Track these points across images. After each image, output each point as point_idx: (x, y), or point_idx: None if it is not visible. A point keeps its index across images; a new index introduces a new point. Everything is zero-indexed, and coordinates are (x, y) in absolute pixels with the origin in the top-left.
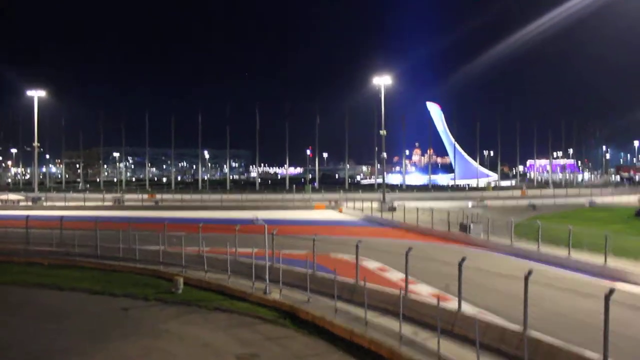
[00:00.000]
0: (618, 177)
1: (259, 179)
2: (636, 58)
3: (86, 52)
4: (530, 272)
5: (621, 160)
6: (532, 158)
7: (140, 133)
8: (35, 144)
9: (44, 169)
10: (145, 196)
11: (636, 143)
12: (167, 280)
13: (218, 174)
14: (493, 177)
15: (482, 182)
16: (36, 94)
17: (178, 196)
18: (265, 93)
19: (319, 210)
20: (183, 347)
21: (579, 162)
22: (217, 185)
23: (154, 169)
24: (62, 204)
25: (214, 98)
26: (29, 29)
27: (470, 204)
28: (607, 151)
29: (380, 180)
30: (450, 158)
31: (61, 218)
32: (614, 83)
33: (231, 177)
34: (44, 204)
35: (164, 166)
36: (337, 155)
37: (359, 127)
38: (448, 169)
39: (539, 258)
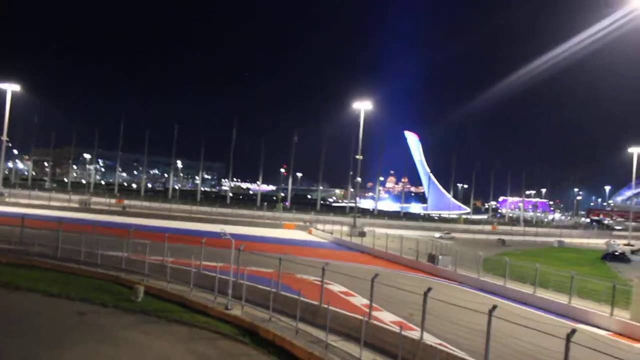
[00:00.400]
0: (589, 220)
1: (231, 193)
2: (614, 106)
3: (69, 50)
4: (494, 307)
5: (592, 203)
6: (505, 195)
7: (114, 137)
8: (4, 137)
9: (10, 165)
10: (113, 201)
11: (607, 188)
12: (127, 288)
13: (189, 184)
14: (465, 210)
15: (454, 214)
16: (9, 87)
17: (147, 203)
18: (244, 108)
19: (289, 230)
20: (142, 358)
21: (551, 202)
22: (188, 196)
23: (125, 174)
24: (26, 201)
25: (192, 108)
26: (7, 21)
27: (437, 234)
28: (579, 194)
29: (352, 204)
30: (424, 188)
31: (23, 216)
32: (594, 128)
33: (202, 189)
34: (7, 199)
35: (135, 172)
36: (311, 176)
37: (336, 150)
38: (421, 198)
39: (505, 294)
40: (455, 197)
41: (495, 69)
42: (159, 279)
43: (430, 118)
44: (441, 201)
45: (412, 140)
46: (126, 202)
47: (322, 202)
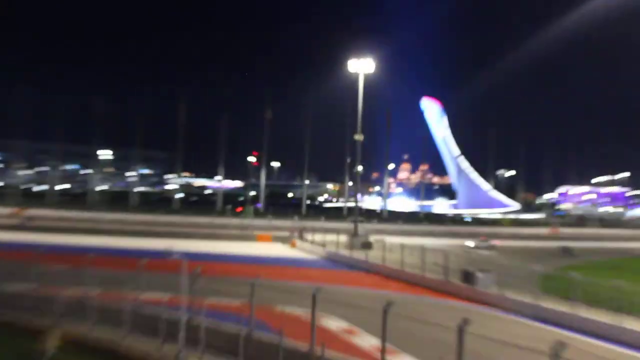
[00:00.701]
0: None
1: (180, 194)
2: None
3: None
4: (561, 346)
5: None
6: (568, 183)
7: (15, 119)
8: None
9: None
10: (11, 210)
11: None
12: (32, 337)
13: (121, 183)
14: (512, 207)
15: (496, 214)
16: None
17: (61, 212)
18: (195, 75)
19: (264, 244)
20: None
21: (633, 191)
22: (119, 200)
23: (29, 171)
24: None
25: (123, 77)
26: None
27: (469, 243)
28: None
29: (351, 204)
30: (452, 178)
31: None
32: None
33: (140, 188)
34: None
35: (44, 168)
36: (293, 166)
37: (326, 130)
38: (448, 192)
39: (575, 325)
40: (496, 189)
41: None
42: (79, 322)
43: (457, 79)
44: (477, 196)
45: (433, 111)
46: (31, 211)
47: (309, 202)
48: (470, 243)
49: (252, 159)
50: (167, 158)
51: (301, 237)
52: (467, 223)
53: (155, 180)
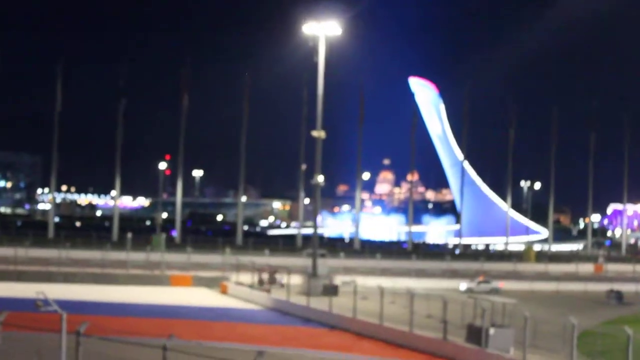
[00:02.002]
0: None
1: (57, 218)
2: None
3: None
4: None
5: None
6: (618, 201)
7: None
8: None
9: None
10: None
11: None
12: None
13: None
14: (540, 234)
15: (517, 243)
16: None
17: None
18: (76, 40)
19: (181, 288)
20: None
21: None
22: None
23: None
24: None
25: None
26: None
27: (462, 285)
28: None
29: (309, 231)
30: (453, 192)
31: None
32: None
33: None
34: None
35: None
36: (222, 176)
37: (272, 125)
38: (448, 213)
39: None
40: (517, 208)
41: None
42: None
43: (458, 55)
44: (490, 218)
45: (425, 97)
46: None
47: (247, 227)
48: (463, 285)
49: (162, 165)
50: (38, 164)
51: (271, 281)
52: (475, 257)
53: (19, 197)
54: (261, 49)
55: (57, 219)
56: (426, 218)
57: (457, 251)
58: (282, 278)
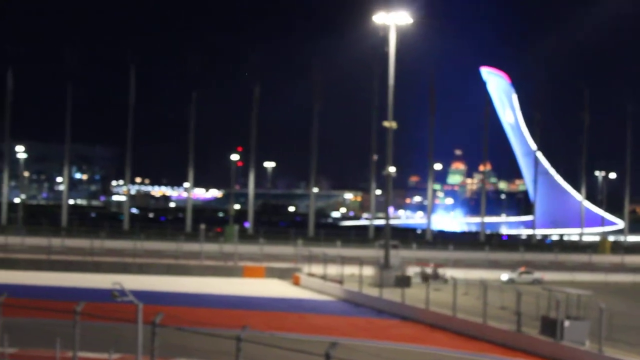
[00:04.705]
0: None
1: (132, 209)
2: None
3: None
4: None
5: None
6: None
7: None
8: None
9: None
10: None
11: None
12: None
13: (45, 194)
14: (616, 225)
15: (592, 234)
16: None
17: None
18: (158, 42)
19: (254, 280)
20: None
21: None
22: (42, 218)
23: None
24: None
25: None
26: None
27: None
28: None
29: (381, 222)
30: (527, 183)
31: None
32: None
33: (73, 201)
34: None
35: None
36: (294, 168)
37: (343, 116)
38: (521, 204)
39: None
40: (592, 199)
41: None
42: None
43: (530, 43)
44: (564, 209)
45: (498, 87)
46: None
47: (318, 218)
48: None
49: (235, 157)
50: (113, 157)
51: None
52: (549, 249)
53: (94, 189)
54: (331, 40)
55: (131, 211)
56: (499, 209)
57: (534, 241)
58: (445, 273)
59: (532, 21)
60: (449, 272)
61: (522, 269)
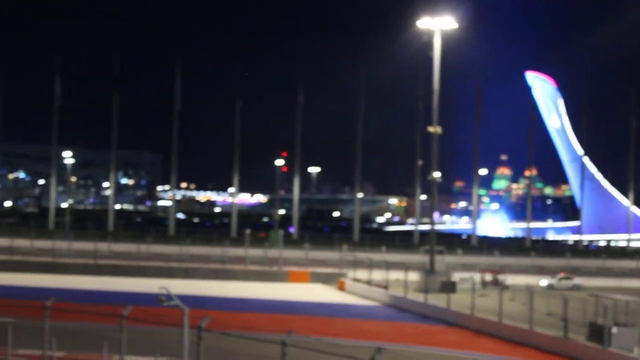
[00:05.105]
0: None
1: (178, 214)
2: None
3: None
4: None
5: None
6: None
7: None
8: None
9: None
10: None
11: None
12: None
13: (91, 199)
14: None
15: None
16: None
17: (4, 241)
18: (202, 48)
19: (299, 285)
20: None
21: None
22: (89, 223)
23: None
24: None
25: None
26: None
27: (543, 281)
28: None
29: (426, 227)
30: (574, 188)
31: None
32: None
33: (120, 206)
34: None
35: None
36: (338, 173)
37: (387, 121)
38: (567, 209)
39: None
40: (639, 204)
41: None
42: None
43: (577, 47)
44: (611, 214)
45: (543, 91)
46: None
47: (363, 223)
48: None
49: (279, 162)
50: (158, 162)
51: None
52: (595, 254)
53: (140, 194)
54: (375, 45)
55: (177, 216)
56: (545, 214)
57: (580, 247)
58: (505, 279)
59: (579, 24)
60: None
61: (562, 274)
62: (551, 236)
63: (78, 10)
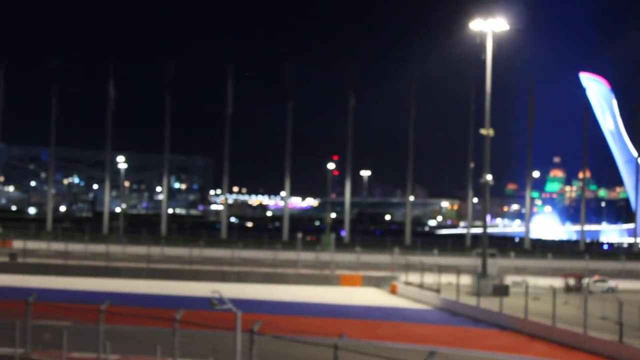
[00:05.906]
0: None
1: (230, 218)
2: None
3: None
4: None
5: None
6: None
7: None
8: None
9: None
10: None
11: None
12: None
13: (144, 204)
14: None
15: None
16: None
17: (59, 246)
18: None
19: (351, 288)
20: None
21: None
22: (143, 227)
23: (13, 187)
24: None
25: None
26: None
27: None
28: None
29: (478, 230)
30: (628, 190)
31: None
32: None
33: (172, 210)
34: None
35: (34, 183)
36: (389, 176)
37: (439, 124)
38: (622, 212)
39: None
40: None
41: None
42: None
43: (631, 48)
44: None
45: (598, 93)
46: (18, 243)
47: (415, 226)
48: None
49: (331, 166)
50: (210, 167)
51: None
52: None
53: (193, 198)
54: (427, 47)
55: (229, 220)
56: (599, 217)
57: (635, 250)
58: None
59: (632, 23)
60: (547, 281)
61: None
62: (606, 239)
63: (131, 15)
